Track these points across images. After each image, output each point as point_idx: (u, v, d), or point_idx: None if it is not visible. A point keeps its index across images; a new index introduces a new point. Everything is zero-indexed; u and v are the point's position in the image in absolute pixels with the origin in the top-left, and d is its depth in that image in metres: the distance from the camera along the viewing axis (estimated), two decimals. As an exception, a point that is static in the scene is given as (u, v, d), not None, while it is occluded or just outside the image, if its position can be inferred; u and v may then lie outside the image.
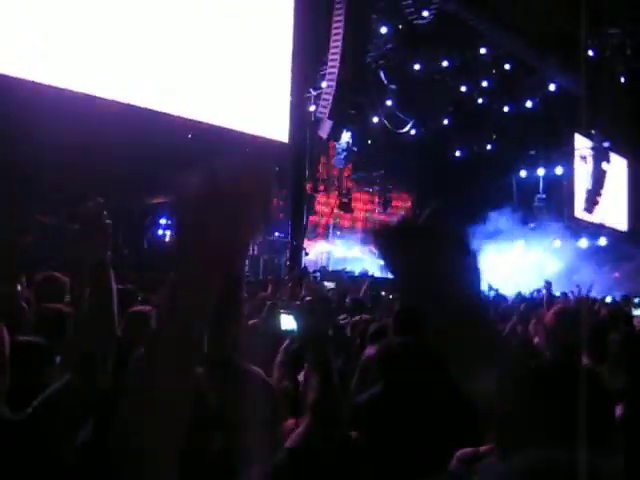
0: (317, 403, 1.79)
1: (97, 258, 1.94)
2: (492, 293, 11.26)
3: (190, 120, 13.42)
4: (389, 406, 3.16)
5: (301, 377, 3.00)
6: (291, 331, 2.05)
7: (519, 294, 11.36)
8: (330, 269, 17.68)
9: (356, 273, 16.66)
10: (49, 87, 11.10)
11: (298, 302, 4.95)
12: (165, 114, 12.88)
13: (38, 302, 3.56)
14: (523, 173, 24.24)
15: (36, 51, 11.00)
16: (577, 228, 23.78)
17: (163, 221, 15.08)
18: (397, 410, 3.11)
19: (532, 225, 22.76)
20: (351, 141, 17.13)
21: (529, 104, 21.63)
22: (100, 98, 11.77)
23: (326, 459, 1.82)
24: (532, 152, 23.71)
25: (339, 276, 14.94)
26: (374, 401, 3.27)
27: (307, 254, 17.49)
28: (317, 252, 19.00)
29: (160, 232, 15.23)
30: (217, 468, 1.54)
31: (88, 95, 11.62)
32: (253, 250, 17.00)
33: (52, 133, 9.72)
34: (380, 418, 3.10)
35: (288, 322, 2.08)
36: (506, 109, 21.77)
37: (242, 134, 14.24)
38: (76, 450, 2.03)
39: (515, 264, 19.51)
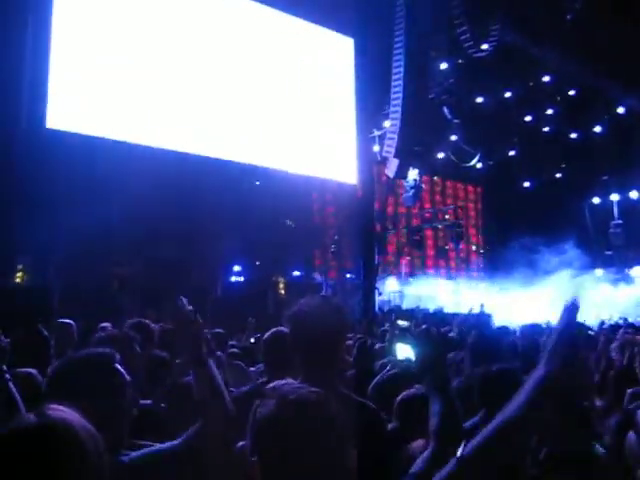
0: (441, 428, 1.74)
1: (195, 356, 2.04)
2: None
3: (258, 167, 13.70)
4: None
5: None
6: (408, 360, 2.02)
7: (602, 323, 10.90)
8: (404, 307, 17.48)
9: (430, 310, 16.42)
10: (129, 144, 11.52)
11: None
12: (234, 162, 13.17)
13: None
14: (596, 200, 23.56)
15: (118, 112, 11.49)
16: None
17: (236, 268, 15.22)
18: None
19: (609, 253, 21.99)
20: (418, 178, 17.10)
21: (598, 129, 21.16)
22: (172, 151, 12.15)
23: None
24: (604, 177, 23.06)
25: (414, 314, 14.77)
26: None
27: (380, 294, 17.36)
28: (390, 291, 18.83)
29: (233, 279, 15.34)
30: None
31: (163, 149, 12.02)
32: (326, 291, 17.02)
33: (129, 187, 10.11)
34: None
35: (404, 351, 2.06)
36: (574, 135, 21.35)
37: (310, 178, 14.45)
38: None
39: (595, 293, 18.80)
